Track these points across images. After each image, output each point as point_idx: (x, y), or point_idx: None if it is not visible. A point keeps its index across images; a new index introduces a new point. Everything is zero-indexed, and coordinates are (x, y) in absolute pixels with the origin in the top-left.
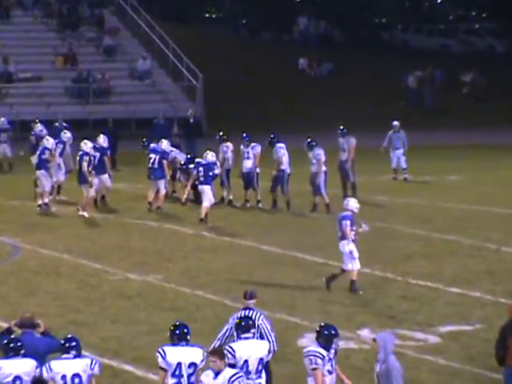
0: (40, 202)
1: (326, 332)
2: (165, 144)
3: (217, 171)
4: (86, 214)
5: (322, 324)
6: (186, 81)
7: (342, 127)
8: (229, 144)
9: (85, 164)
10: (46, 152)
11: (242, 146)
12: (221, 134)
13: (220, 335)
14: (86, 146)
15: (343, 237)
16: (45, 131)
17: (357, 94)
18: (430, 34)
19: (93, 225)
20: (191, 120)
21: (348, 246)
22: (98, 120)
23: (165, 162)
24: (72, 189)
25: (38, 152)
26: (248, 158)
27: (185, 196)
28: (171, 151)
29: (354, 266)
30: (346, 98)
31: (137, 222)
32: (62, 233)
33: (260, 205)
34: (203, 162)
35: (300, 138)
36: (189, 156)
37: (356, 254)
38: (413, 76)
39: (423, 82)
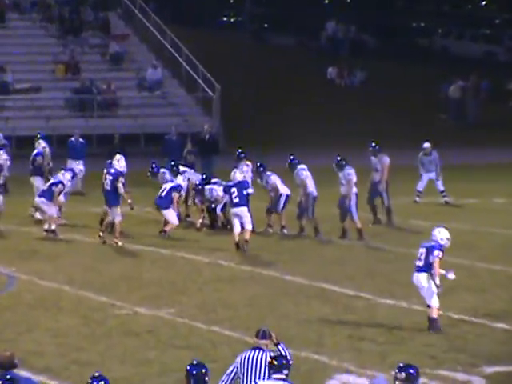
0: (46, 226)
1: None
2: (180, 179)
3: (251, 190)
4: (120, 242)
5: (402, 365)
6: (202, 92)
7: (373, 144)
8: (249, 163)
9: (120, 185)
10: (59, 186)
11: (258, 180)
12: (240, 151)
13: (225, 376)
14: (120, 163)
15: (425, 268)
16: (48, 149)
17: (391, 106)
18: (473, 39)
19: (97, 253)
20: (207, 136)
21: (430, 280)
22: (103, 135)
23: (175, 194)
24: (72, 211)
25: (51, 181)
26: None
27: (200, 220)
28: (184, 172)
29: (435, 301)
30: (380, 110)
31: (147, 249)
32: (63, 261)
33: (285, 231)
34: (234, 182)
35: (328, 155)
36: (204, 176)
37: (435, 289)
38: (454, 86)
39: (466, 92)
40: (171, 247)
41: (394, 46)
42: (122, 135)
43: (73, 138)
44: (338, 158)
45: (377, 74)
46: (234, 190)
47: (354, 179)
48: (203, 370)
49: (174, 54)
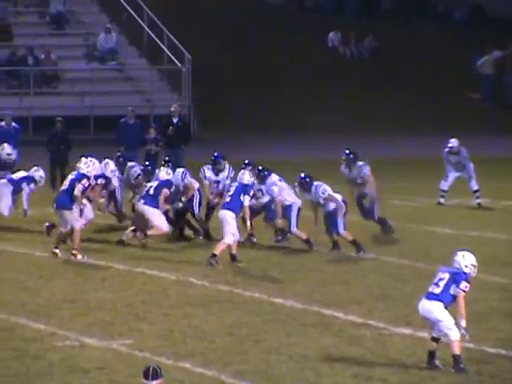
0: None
1: None
2: (163, 173)
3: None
4: (80, 255)
5: None
6: (168, 63)
7: (348, 152)
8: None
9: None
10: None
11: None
12: (246, 161)
13: None
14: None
15: (442, 298)
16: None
17: (409, 83)
18: None
19: (33, 267)
20: (175, 120)
21: (444, 310)
22: (42, 118)
23: (165, 192)
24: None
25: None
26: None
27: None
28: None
29: (456, 334)
30: (394, 88)
31: (97, 263)
32: None
33: (279, 240)
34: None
35: (328, 145)
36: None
37: (451, 320)
38: (488, 57)
39: (503, 65)
40: (128, 260)
41: (413, 7)
42: (66, 118)
43: (3, 122)
44: (348, 152)
45: (391, 42)
46: (233, 187)
47: (370, 177)
48: None
49: (132, 14)
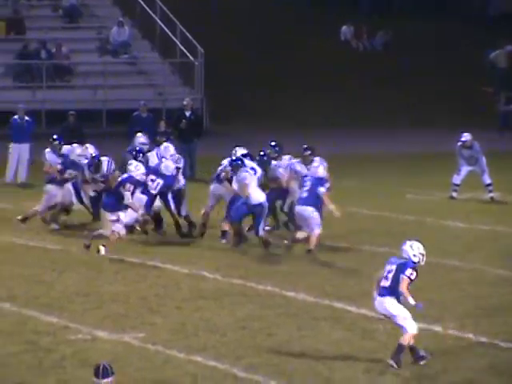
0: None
1: None
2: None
3: (323, 189)
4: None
5: None
6: (180, 57)
7: (273, 143)
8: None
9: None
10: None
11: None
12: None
13: None
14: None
15: (391, 291)
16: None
17: (422, 76)
18: None
19: (46, 261)
20: (187, 113)
21: (399, 304)
22: (54, 111)
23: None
24: (14, 208)
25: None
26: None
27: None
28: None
29: (413, 326)
30: (407, 82)
31: (110, 257)
32: (3, 272)
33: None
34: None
35: (345, 137)
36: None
37: (408, 313)
38: (501, 51)
39: None
40: (141, 254)
41: (425, 2)
42: (79, 111)
43: (16, 116)
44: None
45: (404, 36)
46: (309, 183)
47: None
48: None
49: (145, 8)
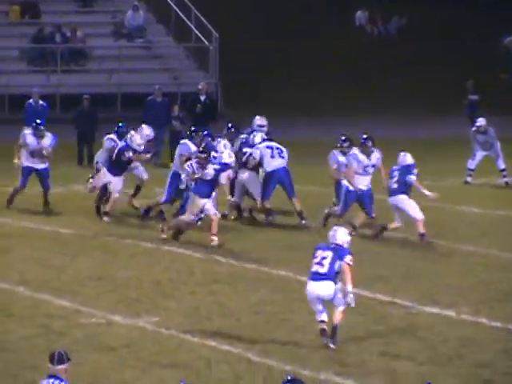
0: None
1: None
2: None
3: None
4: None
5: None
6: (195, 41)
7: (343, 137)
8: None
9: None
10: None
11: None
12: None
13: None
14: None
15: (330, 277)
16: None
17: (437, 62)
18: None
19: (58, 245)
20: (202, 97)
21: (336, 289)
22: (69, 96)
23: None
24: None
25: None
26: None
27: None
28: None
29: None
30: (422, 67)
31: (124, 241)
32: (16, 256)
33: (304, 222)
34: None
35: (362, 122)
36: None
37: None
38: None
39: None
40: (155, 239)
41: None
42: (93, 96)
43: (31, 100)
44: (365, 137)
45: (419, 21)
46: (396, 173)
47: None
48: None
49: None
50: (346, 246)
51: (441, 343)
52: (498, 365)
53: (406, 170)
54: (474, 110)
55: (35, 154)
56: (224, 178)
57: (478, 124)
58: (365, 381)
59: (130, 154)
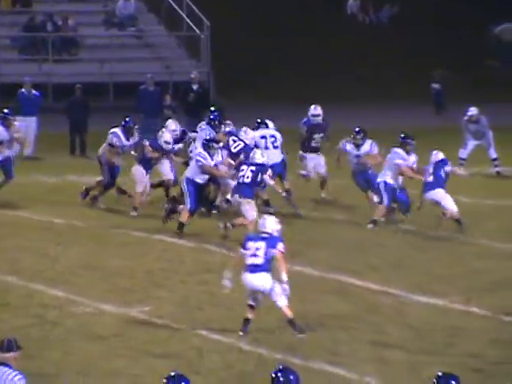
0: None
1: None
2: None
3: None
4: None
5: (440, 374)
6: (187, 30)
7: (357, 128)
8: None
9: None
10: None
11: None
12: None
13: None
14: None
15: (266, 267)
16: None
17: (428, 49)
18: None
19: (53, 235)
20: (195, 86)
21: (272, 280)
22: (61, 85)
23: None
24: (20, 181)
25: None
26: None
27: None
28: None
29: (285, 300)
30: (413, 54)
31: (115, 231)
32: (8, 245)
33: (269, 209)
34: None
35: (352, 112)
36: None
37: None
38: (507, 25)
39: None
40: (146, 228)
41: None
42: (86, 85)
43: (23, 89)
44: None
45: (410, 9)
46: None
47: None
48: None
49: None
50: (275, 234)
51: (431, 332)
52: (487, 354)
53: (441, 164)
54: (438, 98)
55: (5, 143)
56: (268, 180)
57: (469, 113)
58: (355, 369)
59: (155, 154)
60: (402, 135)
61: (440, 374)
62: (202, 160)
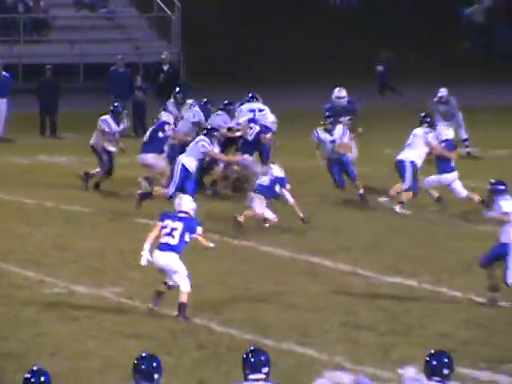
0: None
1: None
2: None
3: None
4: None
5: (432, 351)
6: (157, 11)
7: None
8: None
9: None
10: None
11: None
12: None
13: None
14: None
15: (178, 248)
16: None
17: (400, 32)
18: None
19: (21, 214)
20: (165, 67)
21: (180, 262)
22: (31, 66)
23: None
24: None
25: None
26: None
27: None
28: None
29: (187, 285)
30: (385, 37)
31: (86, 210)
32: None
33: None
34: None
35: (319, 91)
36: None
37: (186, 272)
38: (478, 6)
39: (493, 13)
40: (117, 208)
41: None
42: (56, 66)
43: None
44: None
45: None
46: None
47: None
48: (154, 364)
49: None
50: (192, 213)
51: (402, 313)
52: (458, 334)
53: (449, 144)
54: (383, 80)
55: None
56: (288, 196)
57: (439, 94)
58: (326, 350)
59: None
60: (423, 114)
61: (432, 351)
62: (206, 146)
